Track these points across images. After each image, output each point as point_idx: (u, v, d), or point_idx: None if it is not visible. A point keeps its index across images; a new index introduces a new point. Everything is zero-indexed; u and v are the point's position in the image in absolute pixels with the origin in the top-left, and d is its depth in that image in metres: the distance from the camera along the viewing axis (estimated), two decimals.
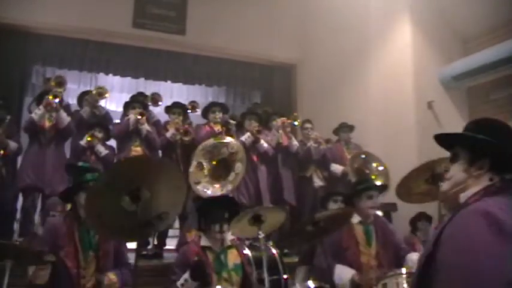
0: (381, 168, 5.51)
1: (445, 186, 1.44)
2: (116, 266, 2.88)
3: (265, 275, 2.74)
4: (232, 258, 2.95)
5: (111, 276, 2.74)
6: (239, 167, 4.75)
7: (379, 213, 4.86)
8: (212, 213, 2.93)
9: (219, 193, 4.44)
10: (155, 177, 2.12)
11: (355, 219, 3.28)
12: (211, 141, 4.85)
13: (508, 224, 1.16)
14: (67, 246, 2.71)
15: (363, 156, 5.72)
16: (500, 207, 1.22)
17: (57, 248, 2.69)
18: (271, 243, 3.66)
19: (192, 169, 4.49)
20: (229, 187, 4.67)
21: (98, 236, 2.80)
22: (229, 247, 2.99)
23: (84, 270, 2.72)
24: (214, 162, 4.63)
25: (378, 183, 5.35)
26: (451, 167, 1.44)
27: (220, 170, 4.63)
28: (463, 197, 1.36)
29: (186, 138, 5.36)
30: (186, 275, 2.69)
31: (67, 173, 4.72)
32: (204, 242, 2.93)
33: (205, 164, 4.59)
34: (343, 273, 3.08)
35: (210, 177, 4.55)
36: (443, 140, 1.47)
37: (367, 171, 5.55)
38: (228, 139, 4.93)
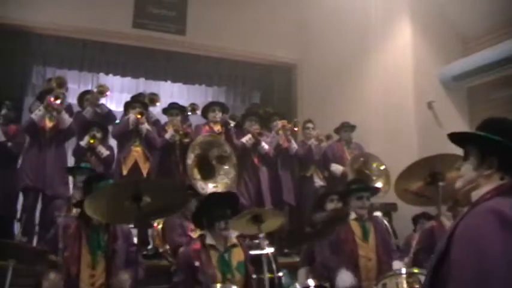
0: (382, 167, 5.51)
1: (457, 184, 1.46)
2: (127, 264, 2.91)
3: (266, 274, 2.75)
4: (236, 256, 2.94)
5: (121, 277, 2.77)
6: (231, 171, 4.78)
7: (378, 213, 4.90)
8: (216, 210, 2.91)
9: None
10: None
11: (352, 215, 3.41)
12: (207, 137, 4.86)
13: None
14: (71, 247, 2.75)
15: (362, 159, 5.71)
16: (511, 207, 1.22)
17: (63, 248, 2.73)
18: (267, 242, 3.67)
19: (189, 162, 4.48)
20: (222, 189, 4.68)
21: (106, 237, 2.84)
22: (234, 245, 2.98)
23: (93, 270, 2.76)
24: (198, 157, 4.63)
25: (379, 184, 5.37)
26: (463, 165, 1.45)
27: (204, 167, 4.63)
28: (474, 195, 1.37)
29: (186, 140, 5.34)
30: None
31: (70, 174, 4.72)
32: (209, 240, 2.91)
33: (196, 158, 4.59)
34: (344, 277, 3.13)
35: (199, 174, 4.55)
36: (455, 138, 1.48)
37: (367, 172, 5.55)
38: (224, 141, 4.96)
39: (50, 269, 2.63)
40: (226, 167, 4.83)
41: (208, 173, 4.73)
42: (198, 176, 4.60)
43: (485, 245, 1.16)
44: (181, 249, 3.05)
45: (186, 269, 2.80)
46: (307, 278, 3.49)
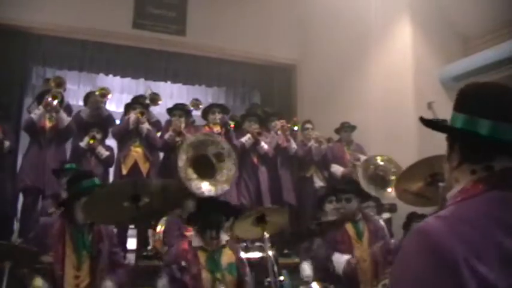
0: (392, 167, 5.37)
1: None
2: (111, 265, 2.89)
3: (271, 277, 2.74)
4: (226, 258, 2.90)
5: (105, 284, 2.73)
6: (232, 168, 4.75)
7: (387, 215, 4.85)
8: (209, 217, 2.88)
9: (213, 193, 4.43)
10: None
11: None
12: (200, 136, 4.84)
13: (453, 251, 0.87)
14: (55, 247, 2.70)
15: (372, 166, 5.59)
16: (465, 220, 0.93)
17: (46, 248, 2.67)
18: (269, 244, 3.66)
19: (181, 164, 4.45)
20: (225, 187, 4.65)
21: (91, 236, 2.81)
22: (223, 246, 2.94)
23: (78, 271, 2.71)
24: (194, 157, 4.60)
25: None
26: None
27: (202, 166, 4.61)
28: (448, 198, 1.07)
29: (179, 139, 5.32)
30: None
31: (55, 176, 4.58)
32: (196, 242, 2.87)
33: (190, 158, 4.56)
34: (339, 259, 3.21)
35: (195, 173, 4.52)
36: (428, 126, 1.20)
37: (381, 173, 5.46)
38: (219, 138, 4.93)
39: (35, 274, 2.57)
40: (226, 164, 4.78)
41: (207, 172, 4.68)
42: (193, 176, 4.57)
43: (405, 273, 0.95)
44: (171, 249, 3.01)
45: (172, 269, 2.77)
46: (311, 270, 3.51)
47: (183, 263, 2.72)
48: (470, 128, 1.02)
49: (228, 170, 4.78)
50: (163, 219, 4.10)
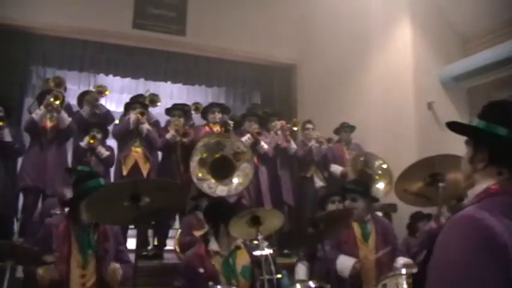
0: (384, 166, 5.47)
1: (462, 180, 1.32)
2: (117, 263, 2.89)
3: (265, 276, 2.74)
4: (241, 260, 2.91)
5: (113, 265, 2.74)
6: (247, 167, 4.74)
7: (379, 213, 4.86)
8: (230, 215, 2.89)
9: (225, 193, 4.44)
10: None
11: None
12: (214, 137, 4.84)
13: (502, 236, 0.98)
14: (60, 248, 2.70)
15: (362, 158, 5.69)
16: (503, 212, 1.04)
17: (51, 249, 2.68)
18: (266, 243, 3.66)
19: (194, 164, 4.47)
20: (240, 187, 4.65)
21: (96, 236, 2.82)
22: (238, 248, 2.95)
23: (84, 270, 2.71)
24: (214, 158, 4.60)
25: (381, 184, 5.34)
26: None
27: (220, 167, 4.61)
28: (470, 195, 1.20)
29: (185, 140, 5.35)
30: None
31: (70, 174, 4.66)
32: (213, 245, 2.88)
33: (205, 160, 4.56)
34: (345, 262, 3.17)
35: (210, 174, 4.52)
36: (453, 128, 1.31)
37: (370, 172, 5.52)
38: (234, 138, 4.93)
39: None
40: (243, 164, 4.78)
41: (222, 173, 4.68)
42: (207, 177, 4.57)
43: (455, 264, 1.00)
44: (186, 254, 3.02)
45: (188, 275, 2.77)
46: (306, 273, 3.48)
47: (200, 270, 2.73)
48: (492, 130, 1.17)
49: (243, 170, 4.77)
50: (184, 219, 4.14)
